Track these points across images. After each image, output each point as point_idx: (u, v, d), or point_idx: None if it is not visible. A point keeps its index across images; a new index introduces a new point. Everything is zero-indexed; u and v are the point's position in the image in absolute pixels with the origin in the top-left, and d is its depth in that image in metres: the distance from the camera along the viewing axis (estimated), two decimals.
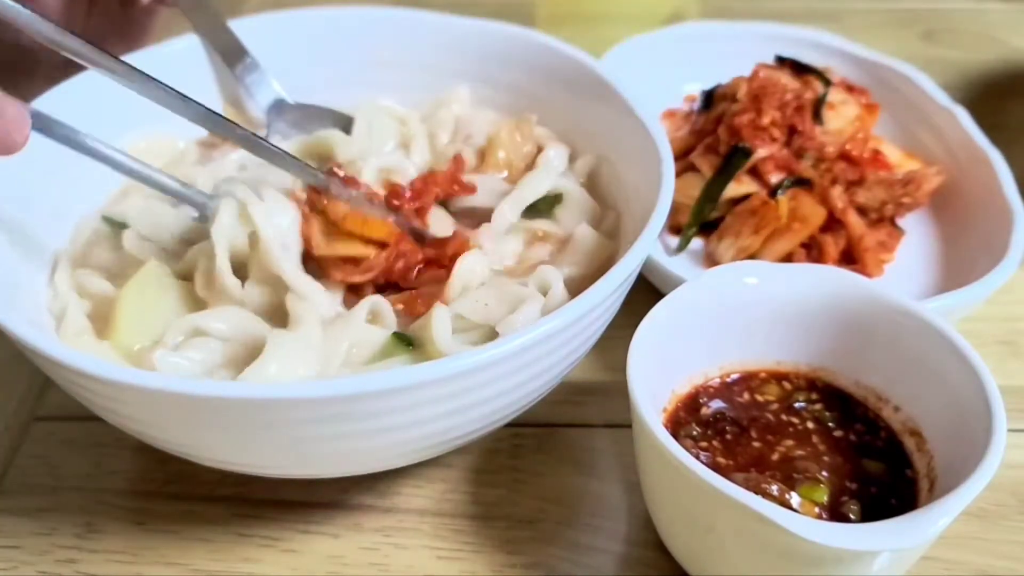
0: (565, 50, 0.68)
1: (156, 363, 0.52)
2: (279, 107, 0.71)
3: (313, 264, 0.58)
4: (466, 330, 0.55)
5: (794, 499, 0.49)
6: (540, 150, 0.68)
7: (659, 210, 0.54)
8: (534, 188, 0.64)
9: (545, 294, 0.56)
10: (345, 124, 0.70)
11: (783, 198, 0.70)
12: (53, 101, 0.61)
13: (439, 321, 0.53)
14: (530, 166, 0.67)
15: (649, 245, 0.52)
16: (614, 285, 0.50)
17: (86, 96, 0.62)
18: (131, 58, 0.63)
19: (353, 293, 0.58)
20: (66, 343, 0.54)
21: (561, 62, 0.68)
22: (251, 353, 0.53)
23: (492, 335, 0.54)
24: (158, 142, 0.68)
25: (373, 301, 0.55)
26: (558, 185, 0.65)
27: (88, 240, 0.62)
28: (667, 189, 0.55)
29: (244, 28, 0.71)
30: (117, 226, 0.63)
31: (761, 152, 0.71)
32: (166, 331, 0.54)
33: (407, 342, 0.54)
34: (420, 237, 0.61)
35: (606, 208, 0.65)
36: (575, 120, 0.68)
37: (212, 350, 0.54)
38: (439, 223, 0.63)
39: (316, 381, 0.48)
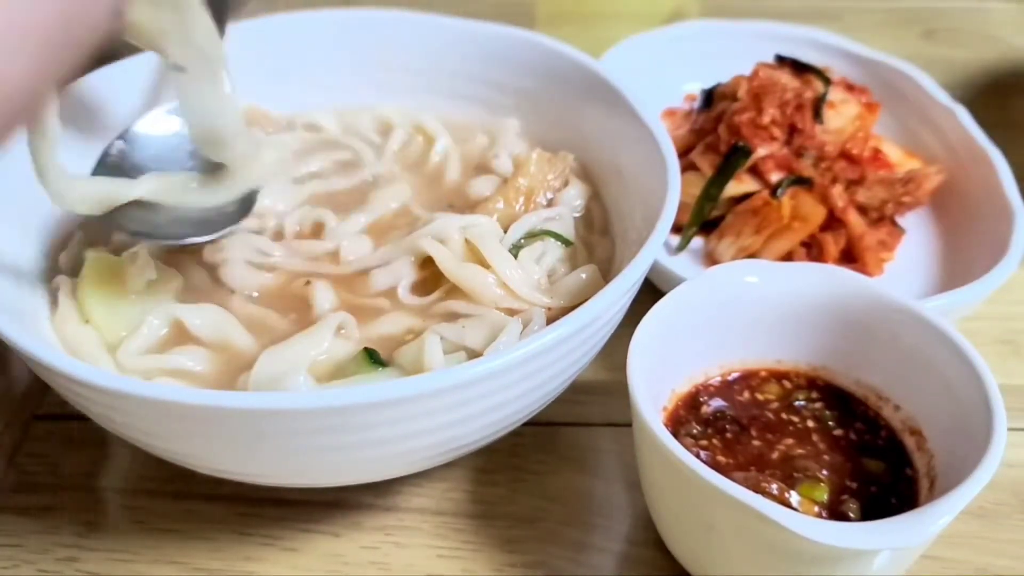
0: (570, 54, 0.67)
1: (124, 362, 0.52)
2: None
3: None
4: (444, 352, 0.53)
5: (794, 498, 0.49)
6: (567, 183, 0.66)
7: (664, 219, 0.53)
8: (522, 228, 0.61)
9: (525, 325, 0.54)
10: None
11: (786, 198, 0.70)
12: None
13: (431, 346, 0.51)
14: (553, 200, 0.65)
15: (654, 253, 0.51)
16: (620, 292, 0.49)
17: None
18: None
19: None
20: (56, 327, 0.54)
21: (565, 66, 0.67)
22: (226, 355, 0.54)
23: (471, 358, 0.52)
24: None
25: (342, 318, 0.54)
26: (548, 227, 0.62)
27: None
28: (673, 199, 0.54)
29: (247, 30, 0.71)
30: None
31: (761, 151, 0.71)
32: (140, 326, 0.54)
33: (376, 361, 0.52)
34: None
35: (602, 237, 0.64)
36: (579, 124, 0.68)
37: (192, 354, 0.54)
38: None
39: (313, 392, 0.47)
